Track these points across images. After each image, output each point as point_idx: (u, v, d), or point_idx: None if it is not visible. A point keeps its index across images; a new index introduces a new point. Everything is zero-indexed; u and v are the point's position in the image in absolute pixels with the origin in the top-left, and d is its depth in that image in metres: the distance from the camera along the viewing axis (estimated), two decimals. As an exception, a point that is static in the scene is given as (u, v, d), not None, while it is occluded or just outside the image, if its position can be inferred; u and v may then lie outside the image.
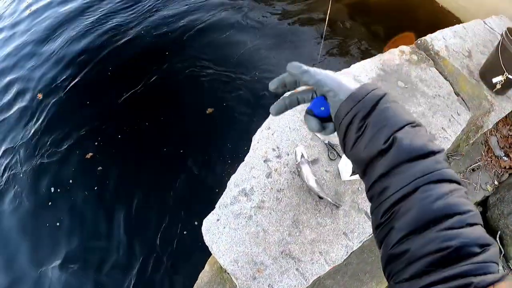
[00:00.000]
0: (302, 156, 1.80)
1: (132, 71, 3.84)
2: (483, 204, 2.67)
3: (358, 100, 0.53)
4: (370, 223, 1.74)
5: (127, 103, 3.60)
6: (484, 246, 0.42)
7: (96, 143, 3.42)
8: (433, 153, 0.49)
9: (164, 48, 4.00)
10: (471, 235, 0.42)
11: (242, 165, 1.92)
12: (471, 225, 0.44)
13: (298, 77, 0.58)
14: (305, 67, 0.58)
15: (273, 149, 1.94)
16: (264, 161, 1.90)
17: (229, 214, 1.79)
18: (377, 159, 0.51)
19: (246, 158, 1.94)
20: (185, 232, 2.88)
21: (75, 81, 3.90)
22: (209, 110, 3.45)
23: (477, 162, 2.70)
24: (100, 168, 3.27)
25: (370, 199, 0.54)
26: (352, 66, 2.34)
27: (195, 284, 2.06)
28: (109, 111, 3.59)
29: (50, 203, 3.13)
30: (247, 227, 1.74)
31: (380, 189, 0.50)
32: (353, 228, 1.72)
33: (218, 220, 1.79)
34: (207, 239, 1.78)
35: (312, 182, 1.73)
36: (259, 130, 2.03)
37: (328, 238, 1.68)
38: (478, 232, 0.44)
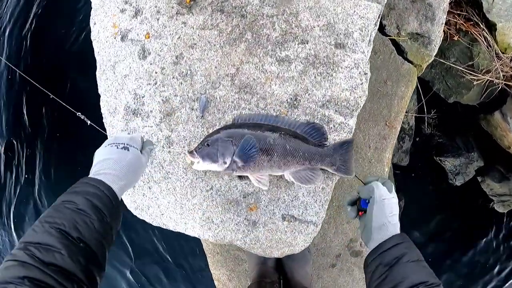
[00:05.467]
0: None
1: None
2: None
3: (383, 250, 0.66)
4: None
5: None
6: None
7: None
8: None
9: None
10: None
11: (98, 75, 0.98)
12: None
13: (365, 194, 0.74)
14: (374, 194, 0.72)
15: (122, 10, 0.96)
16: (122, 39, 0.95)
17: (138, 160, 0.94)
18: None
19: (98, 59, 0.99)
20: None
21: None
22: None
23: None
24: None
25: None
26: None
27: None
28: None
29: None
30: (175, 159, 0.91)
31: None
32: (344, 36, 0.88)
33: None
34: (149, 219, 0.98)
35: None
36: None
37: (310, 80, 0.87)
38: None
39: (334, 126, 0.87)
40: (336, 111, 0.87)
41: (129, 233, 2.21)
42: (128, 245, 2.20)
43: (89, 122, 0.85)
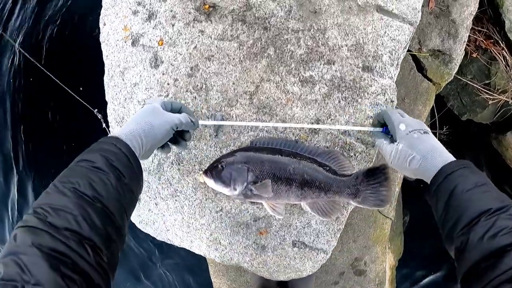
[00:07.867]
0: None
1: None
2: None
3: (447, 174, 0.60)
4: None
5: None
6: None
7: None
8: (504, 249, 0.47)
9: None
10: None
11: (106, 81, 0.92)
12: None
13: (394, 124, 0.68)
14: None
15: (135, 12, 0.90)
16: (133, 44, 0.89)
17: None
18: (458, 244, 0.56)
19: (106, 63, 0.92)
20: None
21: None
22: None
23: None
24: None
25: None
26: None
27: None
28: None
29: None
30: (185, 178, 0.86)
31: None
32: (373, 59, 0.83)
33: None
34: (153, 233, 0.94)
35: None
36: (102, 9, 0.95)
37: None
38: None
39: (354, 154, 0.82)
40: (358, 139, 0.82)
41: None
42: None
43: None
